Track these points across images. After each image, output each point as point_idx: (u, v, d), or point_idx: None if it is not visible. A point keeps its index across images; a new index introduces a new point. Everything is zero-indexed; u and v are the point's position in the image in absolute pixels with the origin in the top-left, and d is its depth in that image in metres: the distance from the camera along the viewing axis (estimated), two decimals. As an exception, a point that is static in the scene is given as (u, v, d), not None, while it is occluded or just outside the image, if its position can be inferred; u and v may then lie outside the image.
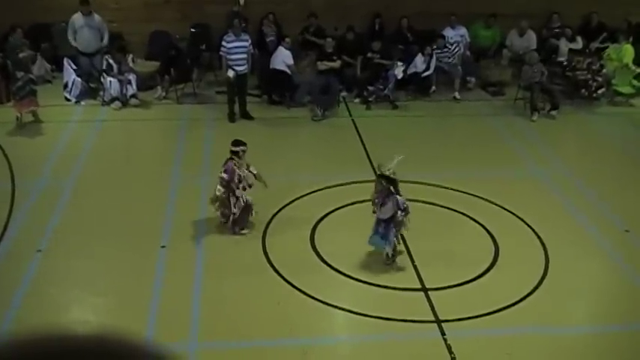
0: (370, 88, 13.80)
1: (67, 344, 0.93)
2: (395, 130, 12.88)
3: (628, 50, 14.45)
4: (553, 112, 13.46)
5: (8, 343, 0.93)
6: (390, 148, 11.73)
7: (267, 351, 7.01)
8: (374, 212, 8.20)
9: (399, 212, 8.02)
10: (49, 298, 7.69)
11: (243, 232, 8.92)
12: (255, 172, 8.92)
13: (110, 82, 13.39)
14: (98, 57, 13.92)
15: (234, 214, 8.81)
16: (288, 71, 13.49)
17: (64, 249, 8.60)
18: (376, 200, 8.12)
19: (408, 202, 8.14)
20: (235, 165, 8.73)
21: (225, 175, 8.68)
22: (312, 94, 13.59)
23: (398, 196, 8.02)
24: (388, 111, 13.67)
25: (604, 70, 14.26)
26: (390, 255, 8.22)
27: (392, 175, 8.03)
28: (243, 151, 8.79)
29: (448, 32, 15.01)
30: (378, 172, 8.19)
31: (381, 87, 13.77)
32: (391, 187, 8.03)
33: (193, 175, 10.63)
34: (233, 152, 8.78)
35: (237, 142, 8.86)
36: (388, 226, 8.10)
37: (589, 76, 14.11)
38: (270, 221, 9.26)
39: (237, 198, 8.77)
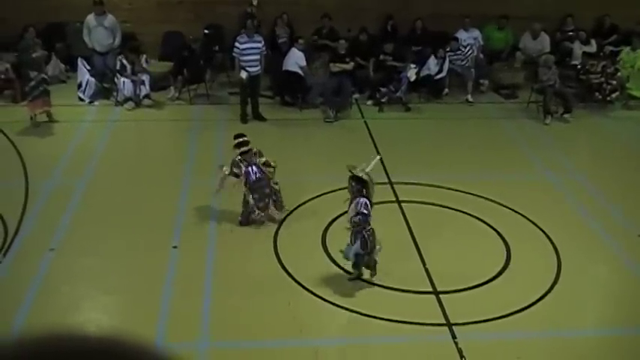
0: (383, 90, 13.79)
1: (73, 345, 0.93)
2: (407, 132, 12.87)
3: (641, 55, 14.39)
4: (566, 116, 13.40)
5: (17, 343, 0.93)
6: (402, 151, 11.79)
7: (277, 351, 7.01)
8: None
9: (357, 216, 7.58)
10: (61, 296, 7.73)
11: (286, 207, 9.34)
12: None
13: (123, 82, 13.44)
14: (111, 56, 13.98)
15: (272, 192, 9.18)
16: (300, 73, 13.49)
17: (76, 248, 8.64)
18: (349, 204, 7.78)
19: (368, 210, 7.60)
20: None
21: (265, 159, 9.08)
22: (324, 96, 13.59)
23: (362, 198, 7.60)
24: (401, 113, 13.66)
25: (619, 74, 14.18)
26: (352, 269, 7.97)
27: (364, 177, 7.64)
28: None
29: (461, 35, 14.97)
30: (350, 174, 7.76)
31: (393, 89, 13.76)
32: (363, 190, 7.65)
33: (205, 176, 10.64)
34: (246, 143, 9.03)
35: (244, 136, 9.20)
36: (356, 235, 7.73)
37: (603, 79, 14.03)
38: (282, 222, 9.27)
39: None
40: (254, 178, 8.99)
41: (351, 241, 7.79)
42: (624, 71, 14.32)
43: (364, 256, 7.80)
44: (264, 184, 9.08)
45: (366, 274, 8.03)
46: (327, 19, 15.04)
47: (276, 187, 9.19)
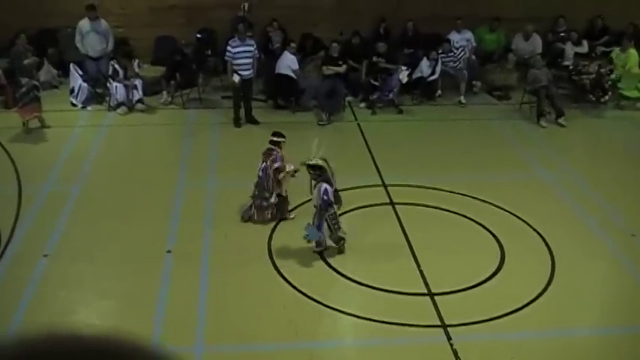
0: (373, 96, 13.79)
1: (71, 344, 0.94)
2: (401, 134, 12.89)
3: (632, 55, 14.42)
4: (560, 120, 13.30)
5: (16, 342, 0.93)
6: (395, 153, 11.81)
7: (272, 355, 7.00)
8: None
9: (321, 202, 8.19)
10: (55, 302, 7.70)
11: (291, 216, 9.42)
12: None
13: (116, 87, 13.43)
14: (104, 61, 13.97)
15: (274, 202, 9.28)
16: (293, 76, 13.50)
17: (70, 253, 8.61)
18: (312, 190, 8.42)
19: (328, 196, 8.21)
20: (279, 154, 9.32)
21: (278, 165, 9.20)
22: (317, 99, 13.60)
23: (322, 184, 8.19)
24: (394, 115, 13.67)
25: (613, 76, 14.21)
26: (315, 245, 8.49)
27: (319, 162, 8.25)
28: (284, 143, 9.37)
29: (454, 36, 15.00)
30: (307, 164, 8.38)
31: (386, 93, 13.75)
32: (322, 174, 8.24)
33: (199, 180, 10.64)
34: (275, 142, 9.32)
35: (279, 134, 9.43)
36: (320, 218, 8.33)
37: (597, 77, 14.04)
38: (276, 226, 9.27)
39: (279, 186, 9.33)
40: (259, 174, 9.25)
41: (313, 221, 8.36)
42: (615, 71, 14.36)
43: (323, 234, 8.41)
44: (263, 187, 9.24)
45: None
46: (309, 41, 14.95)
47: (274, 199, 9.31)
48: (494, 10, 15.53)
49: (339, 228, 8.50)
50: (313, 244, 8.54)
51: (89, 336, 0.95)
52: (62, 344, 0.93)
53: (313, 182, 8.39)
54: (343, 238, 8.54)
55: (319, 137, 8.69)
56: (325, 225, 8.39)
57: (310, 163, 8.33)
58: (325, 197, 8.20)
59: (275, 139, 9.40)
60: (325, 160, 8.36)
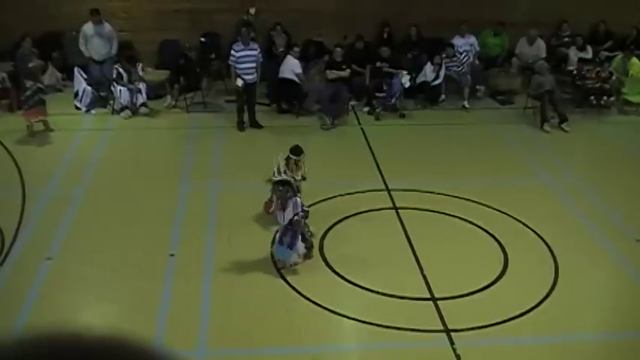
0: (374, 102, 13.78)
1: (75, 346, 0.94)
2: (404, 139, 12.89)
3: (636, 64, 14.42)
4: (563, 126, 13.27)
5: (19, 344, 0.93)
6: (399, 157, 11.81)
7: (275, 359, 7.00)
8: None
9: (301, 213, 8.10)
10: (58, 305, 7.71)
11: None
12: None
13: (120, 90, 13.45)
14: (108, 64, 13.99)
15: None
16: (296, 80, 13.51)
17: (74, 257, 8.62)
18: (278, 208, 8.27)
19: (304, 206, 8.26)
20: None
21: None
22: (321, 103, 13.60)
23: (296, 198, 8.16)
24: (397, 120, 13.67)
25: (613, 77, 14.22)
26: (294, 263, 8.33)
27: (285, 178, 8.31)
28: (294, 160, 9.45)
29: (457, 41, 15.01)
30: (274, 180, 8.40)
31: (389, 98, 13.74)
32: (291, 189, 8.22)
33: (202, 184, 10.65)
34: (288, 158, 9.38)
35: (297, 152, 9.54)
36: (294, 235, 8.19)
37: (597, 85, 14.06)
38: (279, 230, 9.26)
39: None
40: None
41: (281, 241, 8.21)
42: (618, 77, 14.37)
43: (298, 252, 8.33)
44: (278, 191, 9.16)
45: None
46: (311, 47, 14.96)
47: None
48: (497, 15, 15.53)
49: (311, 234, 8.54)
50: (291, 265, 8.35)
51: (92, 337, 0.95)
52: (65, 346, 0.94)
53: (281, 200, 8.19)
54: (312, 244, 8.52)
55: (281, 152, 8.91)
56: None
57: (279, 179, 8.32)
58: (306, 208, 8.19)
59: (289, 154, 9.48)
60: (286, 173, 8.52)
